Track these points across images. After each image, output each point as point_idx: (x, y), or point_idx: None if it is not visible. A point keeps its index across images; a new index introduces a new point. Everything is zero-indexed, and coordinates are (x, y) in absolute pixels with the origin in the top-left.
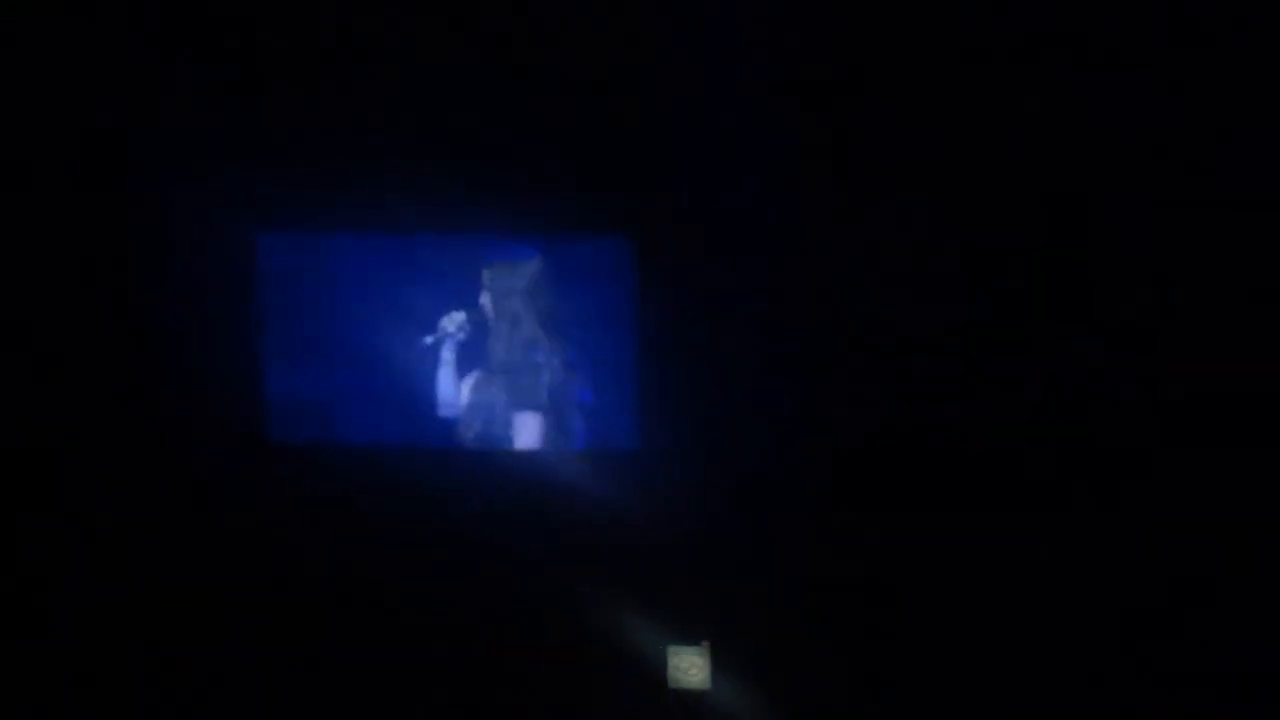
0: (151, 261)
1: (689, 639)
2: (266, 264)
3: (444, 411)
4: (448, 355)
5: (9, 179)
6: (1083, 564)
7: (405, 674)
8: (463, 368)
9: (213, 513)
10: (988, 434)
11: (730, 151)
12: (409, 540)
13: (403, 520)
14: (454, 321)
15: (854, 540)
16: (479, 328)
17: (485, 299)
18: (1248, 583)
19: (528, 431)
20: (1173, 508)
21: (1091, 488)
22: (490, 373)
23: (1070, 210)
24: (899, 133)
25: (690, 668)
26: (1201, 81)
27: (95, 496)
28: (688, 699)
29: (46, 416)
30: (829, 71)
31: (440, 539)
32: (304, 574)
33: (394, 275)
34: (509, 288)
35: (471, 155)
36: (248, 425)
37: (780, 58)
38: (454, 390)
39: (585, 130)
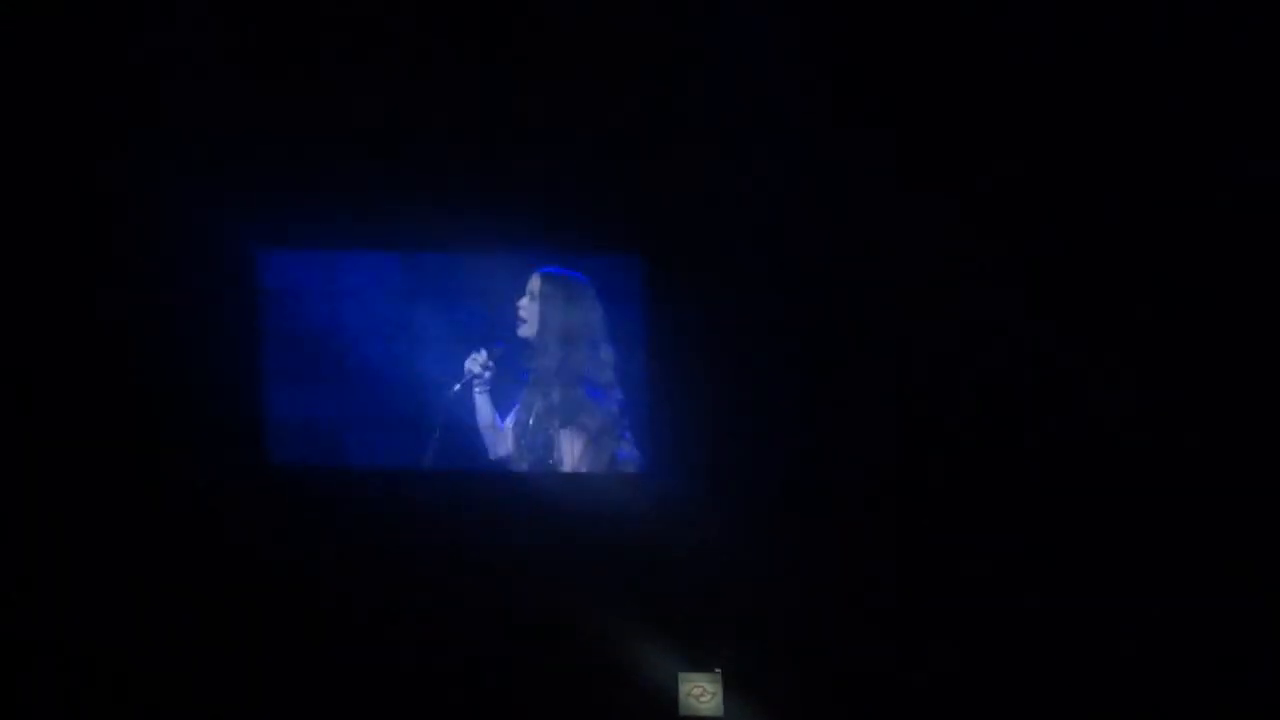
0: (153, 278)
1: (701, 665)
2: (269, 282)
3: (493, 453)
4: (480, 397)
5: (10, 197)
6: (1101, 576)
7: (410, 698)
8: (500, 402)
9: (212, 534)
10: (1000, 457)
11: (742, 173)
12: (413, 563)
13: (406, 543)
14: (478, 362)
15: (871, 565)
16: (510, 358)
17: (531, 310)
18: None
19: (577, 450)
20: (1174, 508)
21: (1101, 497)
22: (533, 399)
23: (1077, 232)
24: (909, 156)
25: (702, 694)
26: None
27: (95, 516)
28: None
29: (45, 436)
30: (839, 96)
31: (445, 562)
32: (305, 596)
33: (400, 295)
34: (562, 301)
35: (480, 174)
36: (248, 446)
37: (791, 82)
38: (496, 432)
39: (596, 151)
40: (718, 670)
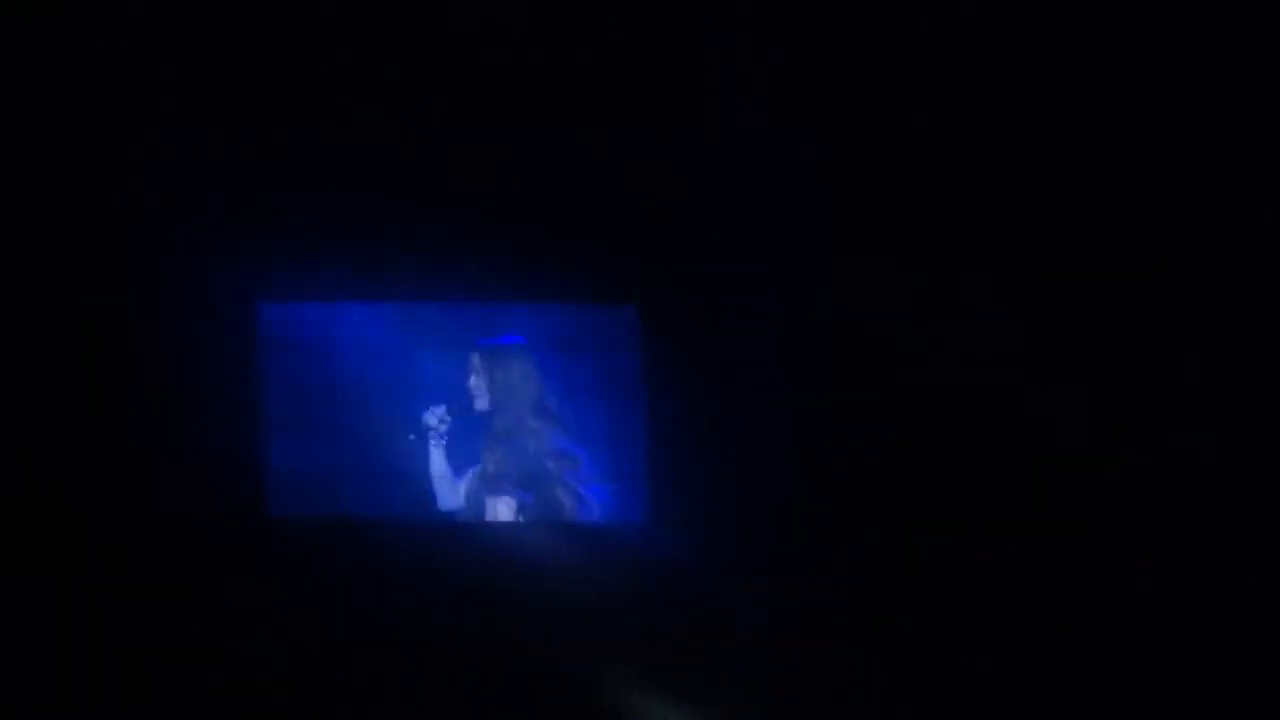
0: (151, 329)
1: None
2: (269, 333)
3: (443, 504)
4: (437, 454)
5: (8, 247)
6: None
7: None
8: (456, 462)
9: (211, 588)
10: (1000, 513)
11: (739, 223)
12: (411, 615)
13: (405, 596)
14: (436, 416)
15: (873, 622)
16: (469, 416)
17: (478, 386)
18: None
19: (518, 508)
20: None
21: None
22: (486, 459)
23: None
24: (906, 201)
25: None
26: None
27: (93, 571)
28: None
29: (43, 490)
30: (837, 140)
31: (443, 614)
32: (304, 650)
33: (398, 347)
34: (504, 373)
35: (478, 224)
36: (247, 499)
37: (788, 127)
38: (451, 488)
39: (594, 201)
40: None
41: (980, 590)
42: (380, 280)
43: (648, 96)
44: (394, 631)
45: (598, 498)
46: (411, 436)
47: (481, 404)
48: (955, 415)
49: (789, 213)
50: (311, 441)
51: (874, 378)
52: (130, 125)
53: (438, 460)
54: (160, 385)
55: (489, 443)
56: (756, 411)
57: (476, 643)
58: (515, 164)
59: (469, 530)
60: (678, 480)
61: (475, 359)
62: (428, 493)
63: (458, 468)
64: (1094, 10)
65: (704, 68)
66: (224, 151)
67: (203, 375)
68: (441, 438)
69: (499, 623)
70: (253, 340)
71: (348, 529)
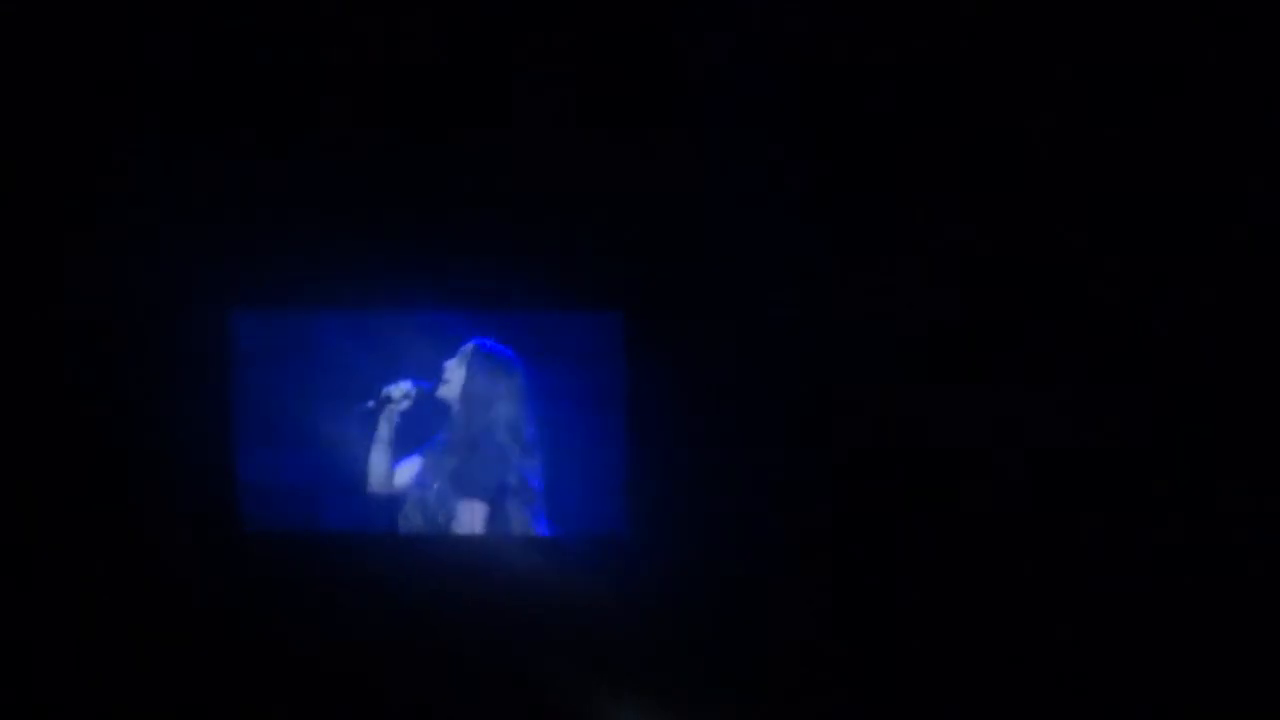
0: (120, 339)
1: None
2: (241, 344)
3: (373, 489)
4: (385, 429)
5: None
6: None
7: None
8: (401, 446)
9: (183, 605)
10: (991, 521)
11: (725, 228)
12: (387, 632)
13: (381, 611)
14: (400, 390)
15: (859, 634)
16: (430, 403)
17: (456, 373)
18: None
19: (472, 520)
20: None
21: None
22: (438, 457)
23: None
24: (898, 208)
25: None
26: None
27: (62, 588)
28: None
29: (7, 503)
30: (828, 145)
31: (421, 630)
32: (278, 668)
33: (374, 356)
34: (490, 378)
35: (457, 232)
36: (220, 513)
37: (777, 134)
38: (386, 470)
39: (575, 206)
40: None
41: (963, 600)
42: (357, 289)
43: (632, 102)
44: (368, 646)
45: (542, 529)
46: (370, 404)
47: (447, 390)
48: (952, 418)
49: (778, 221)
50: (286, 453)
51: (861, 389)
52: (103, 130)
53: (383, 437)
54: (130, 395)
55: (455, 442)
56: (740, 423)
57: (452, 658)
58: (496, 170)
59: (442, 544)
60: (658, 492)
61: (466, 350)
62: (361, 466)
63: (399, 453)
64: None
65: (691, 74)
66: (197, 156)
67: (174, 386)
68: (398, 416)
69: (474, 638)
70: (225, 350)
71: (321, 543)
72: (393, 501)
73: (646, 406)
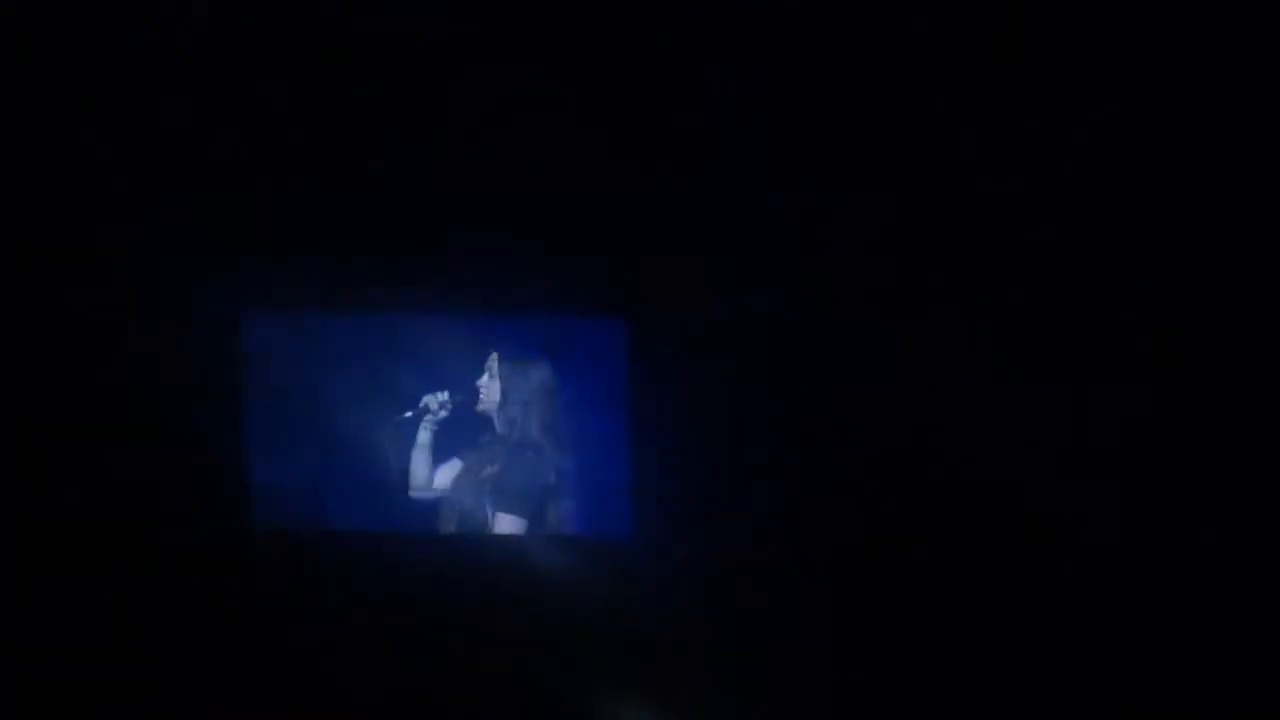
0: (132, 340)
1: None
2: (252, 344)
3: (415, 494)
4: (425, 435)
5: None
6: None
7: None
8: (441, 451)
9: (195, 604)
10: (994, 521)
11: (726, 233)
12: (399, 630)
13: (393, 610)
14: (437, 400)
15: (861, 635)
16: (467, 411)
17: (491, 389)
18: None
19: (509, 528)
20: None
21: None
22: (477, 462)
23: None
24: (900, 215)
25: None
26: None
27: (74, 588)
28: None
29: (18, 504)
30: (830, 152)
31: (432, 629)
32: (291, 667)
33: (386, 356)
34: (522, 383)
35: (464, 236)
36: (233, 512)
37: (780, 138)
38: (428, 474)
39: (579, 211)
40: None
41: (965, 600)
42: (364, 292)
43: (633, 106)
44: (379, 645)
45: (580, 519)
46: (407, 414)
47: (487, 406)
48: (953, 418)
49: (782, 225)
50: (297, 453)
51: (865, 391)
52: (115, 132)
53: (424, 443)
54: (142, 397)
55: (494, 449)
56: (743, 425)
57: (461, 657)
58: (502, 174)
59: (455, 544)
60: (663, 494)
61: (492, 361)
62: (400, 472)
63: (439, 457)
64: None
65: (693, 80)
66: (207, 160)
67: (185, 387)
68: (436, 424)
69: (487, 636)
70: (236, 351)
71: (335, 542)
72: (432, 505)
73: (650, 408)
